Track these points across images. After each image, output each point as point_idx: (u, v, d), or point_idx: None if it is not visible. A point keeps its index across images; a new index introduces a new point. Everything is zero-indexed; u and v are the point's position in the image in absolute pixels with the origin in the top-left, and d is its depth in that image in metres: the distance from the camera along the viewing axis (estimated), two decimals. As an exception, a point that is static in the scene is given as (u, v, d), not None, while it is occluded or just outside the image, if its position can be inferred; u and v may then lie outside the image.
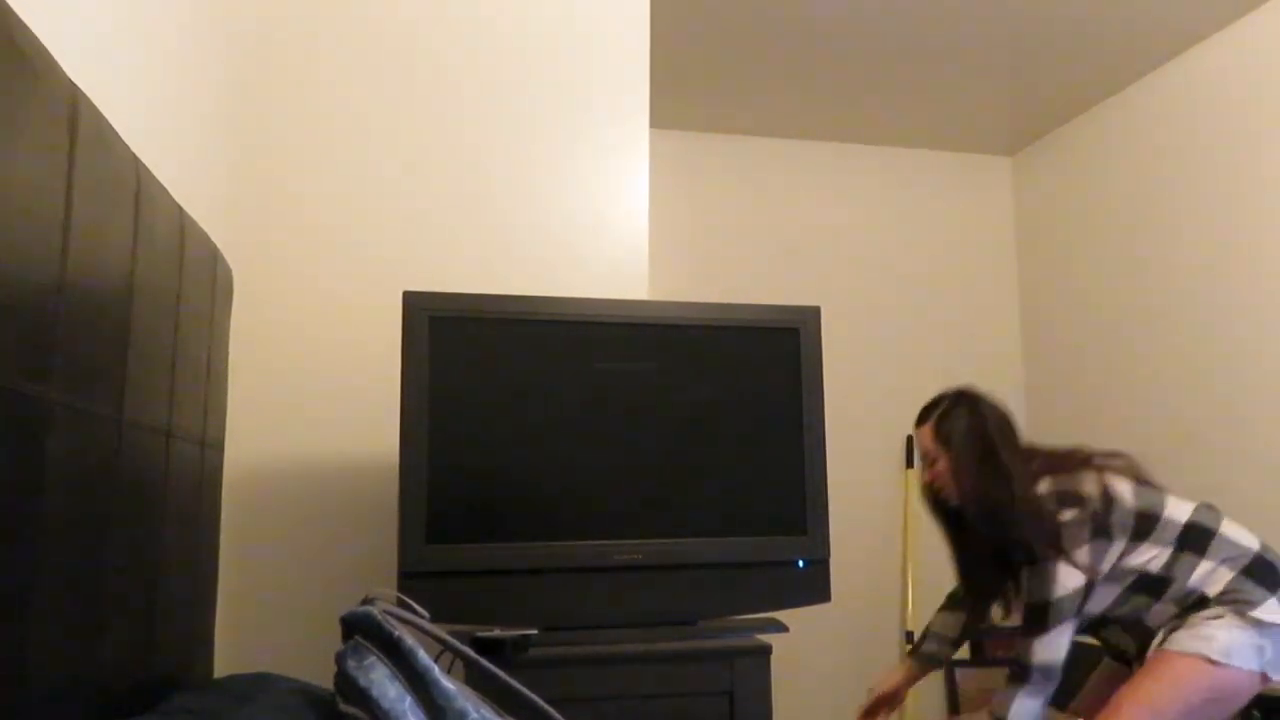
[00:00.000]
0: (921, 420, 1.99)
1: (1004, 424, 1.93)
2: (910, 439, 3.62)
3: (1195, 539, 1.72)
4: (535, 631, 1.50)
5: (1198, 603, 1.69)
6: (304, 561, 1.83)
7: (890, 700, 2.09)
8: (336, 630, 0.93)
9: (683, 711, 1.55)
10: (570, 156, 2.06)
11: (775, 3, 2.71)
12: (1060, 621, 1.72)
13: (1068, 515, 1.73)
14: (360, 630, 0.90)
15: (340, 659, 0.88)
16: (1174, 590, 1.71)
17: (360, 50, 1.99)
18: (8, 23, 0.71)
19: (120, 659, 0.96)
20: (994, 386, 3.75)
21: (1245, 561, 1.70)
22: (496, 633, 1.45)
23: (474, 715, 0.85)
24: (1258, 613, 1.65)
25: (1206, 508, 1.78)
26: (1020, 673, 1.74)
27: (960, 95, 3.33)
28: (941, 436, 1.92)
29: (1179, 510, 1.76)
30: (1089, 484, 1.76)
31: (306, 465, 1.86)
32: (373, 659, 0.87)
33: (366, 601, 0.94)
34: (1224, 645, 1.63)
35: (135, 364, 1.00)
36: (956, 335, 3.76)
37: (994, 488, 1.81)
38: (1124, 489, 1.77)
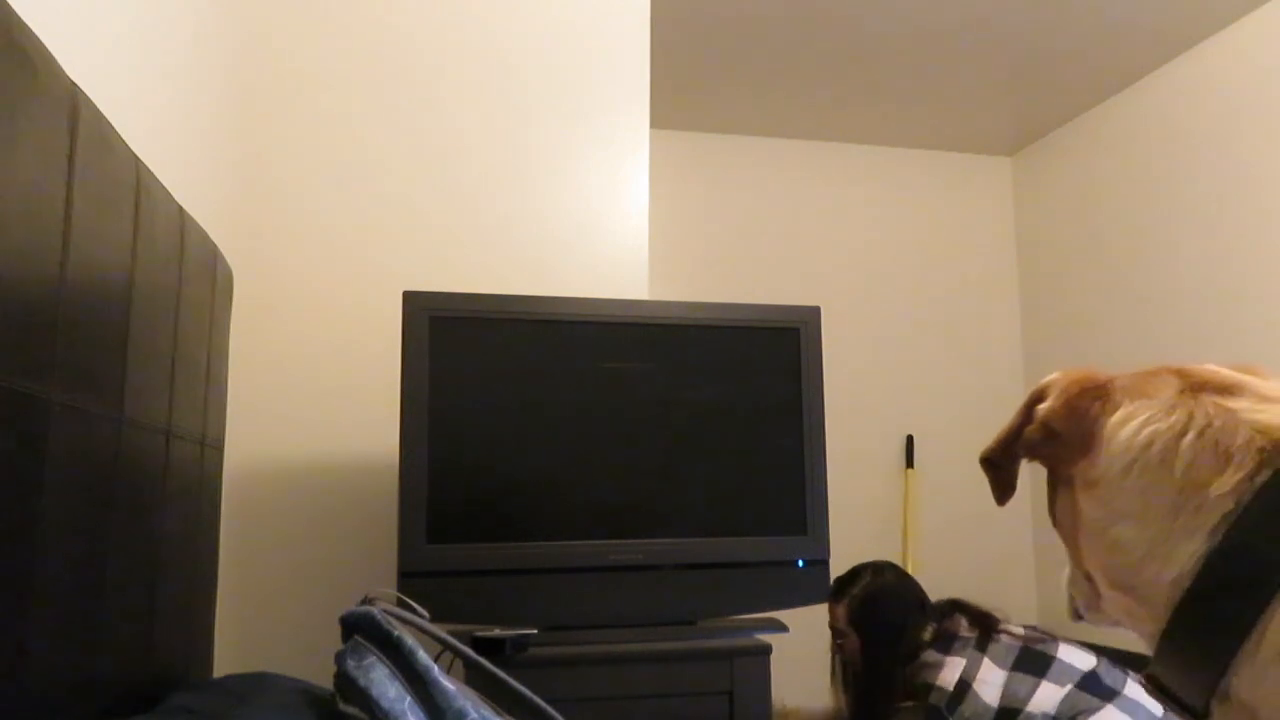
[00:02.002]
0: (835, 598, 2.07)
1: (901, 622, 1.98)
2: (910, 439, 3.63)
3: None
4: (535, 631, 1.50)
5: None
6: (304, 561, 1.83)
7: None
8: (336, 630, 0.93)
9: (683, 711, 1.55)
10: (570, 157, 2.06)
11: (775, 3, 2.71)
12: None
13: (904, 705, 1.82)
14: (360, 630, 0.90)
15: (340, 659, 0.88)
16: None
17: (361, 51, 1.99)
18: (8, 22, 0.71)
19: (120, 659, 0.96)
20: (994, 386, 3.76)
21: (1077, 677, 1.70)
22: (496, 633, 1.45)
23: (473, 715, 0.85)
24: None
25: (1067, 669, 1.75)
26: None
27: (960, 95, 3.33)
28: (854, 620, 2.04)
29: (1048, 698, 1.70)
30: (947, 673, 1.78)
31: (306, 465, 1.86)
32: (372, 659, 0.87)
33: (366, 601, 0.94)
34: None
35: (135, 364, 1.00)
36: (956, 335, 3.77)
37: (897, 646, 1.93)
38: (991, 680, 1.74)
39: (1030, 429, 0.75)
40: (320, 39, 1.98)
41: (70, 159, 0.82)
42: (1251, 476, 0.59)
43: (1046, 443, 0.74)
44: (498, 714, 0.92)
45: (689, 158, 3.63)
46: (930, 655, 1.82)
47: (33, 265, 0.75)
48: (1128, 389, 0.70)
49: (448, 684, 0.87)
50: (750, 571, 1.65)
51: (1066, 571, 0.78)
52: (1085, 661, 1.73)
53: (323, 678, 1.04)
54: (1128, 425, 0.66)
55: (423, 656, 0.88)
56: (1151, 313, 3.15)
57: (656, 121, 3.45)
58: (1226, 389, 0.65)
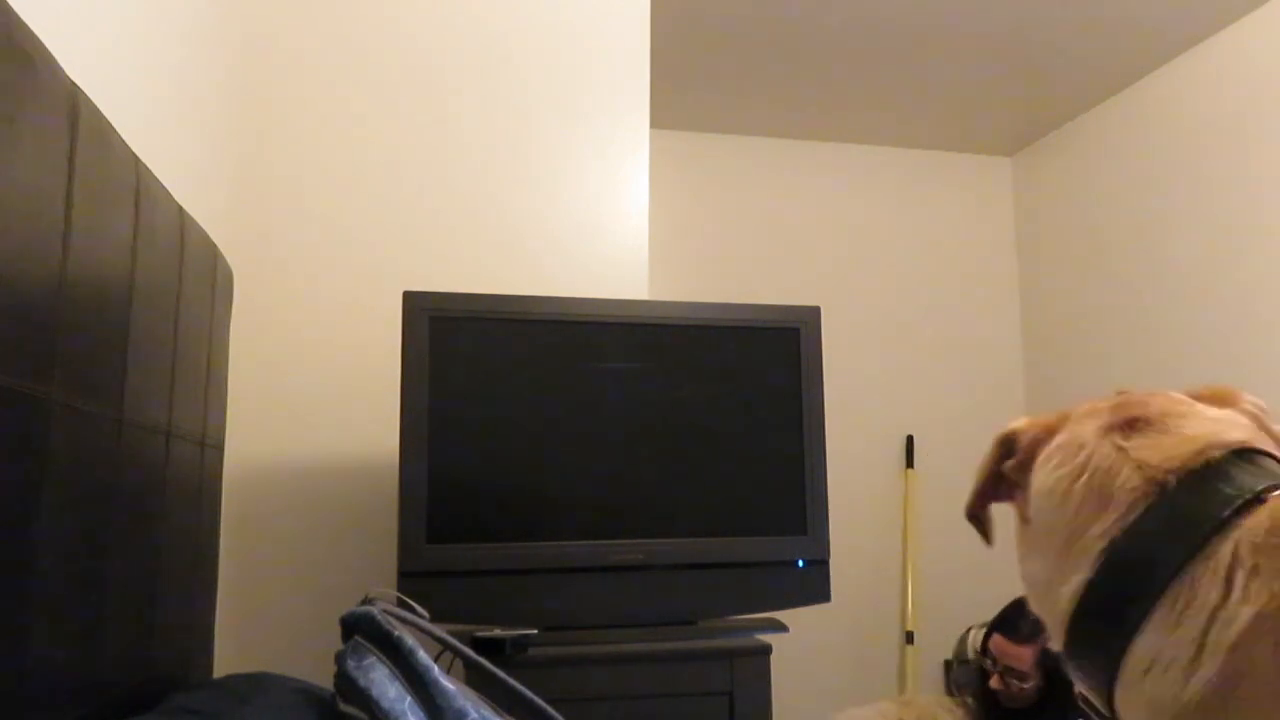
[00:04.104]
0: (1017, 637, 2.02)
1: None
2: (910, 439, 3.62)
3: None
4: (535, 631, 1.50)
5: None
6: (304, 561, 1.83)
7: None
8: (336, 630, 0.93)
9: (683, 711, 1.55)
10: (570, 156, 2.06)
11: (775, 3, 2.71)
12: None
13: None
14: (360, 630, 0.90)
15: (340, 659, 0.88)
16: None
17: (361, 51, 1.99)
18: (8, 22, 0.71)
19: (120, 659, 0.96)
20: (994, 387, 3.76)
21: None
22: (496, 633, 1.45)
23: (473, 715, 0.85)
24: None
25: None
26: None
27: (960, 95, 3.33)
28: (1047, 663, 1.98)
29: None
30: None
31: (306, 465, 1.86)
32: (372, 659, 0.87)
33: (366, 601, 0.94)
34: None
35: (135, 364, 1.00)
36: (956, 335, 3.76)
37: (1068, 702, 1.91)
38: None
39: (1001, 486, 0.79)
40: (320, 39, 1.98)
41: (70, 159, 0.82)
42: (1124, 517, 0.62)
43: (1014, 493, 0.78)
44: (498, 714, 0.92)
45: (689, 158, 3.63)
46: None
47: (33, 265, 0.75)
48: (1068, 423, 0.73)
49: (448, 684, 0.87)
50: (750, 571, 1.65)
51: None
52: None
53: (323, 678, 1.04)
54: (1045, 467, 0.71)
55: (423, 656, 0.88)
56: (1151, 312, 3.15)
57: (656, 121, 3.45)
58: (1138, 423, 0.67)
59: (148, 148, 1.18)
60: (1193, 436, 0.64)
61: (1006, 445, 0.77)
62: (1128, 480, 0.63)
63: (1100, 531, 0.63)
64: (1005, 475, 0.77)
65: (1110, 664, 0.60)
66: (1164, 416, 0.67)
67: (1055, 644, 0.70)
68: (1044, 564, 0.68)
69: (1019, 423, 0.78)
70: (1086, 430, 0.70)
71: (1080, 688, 0.67)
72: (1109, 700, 0.62)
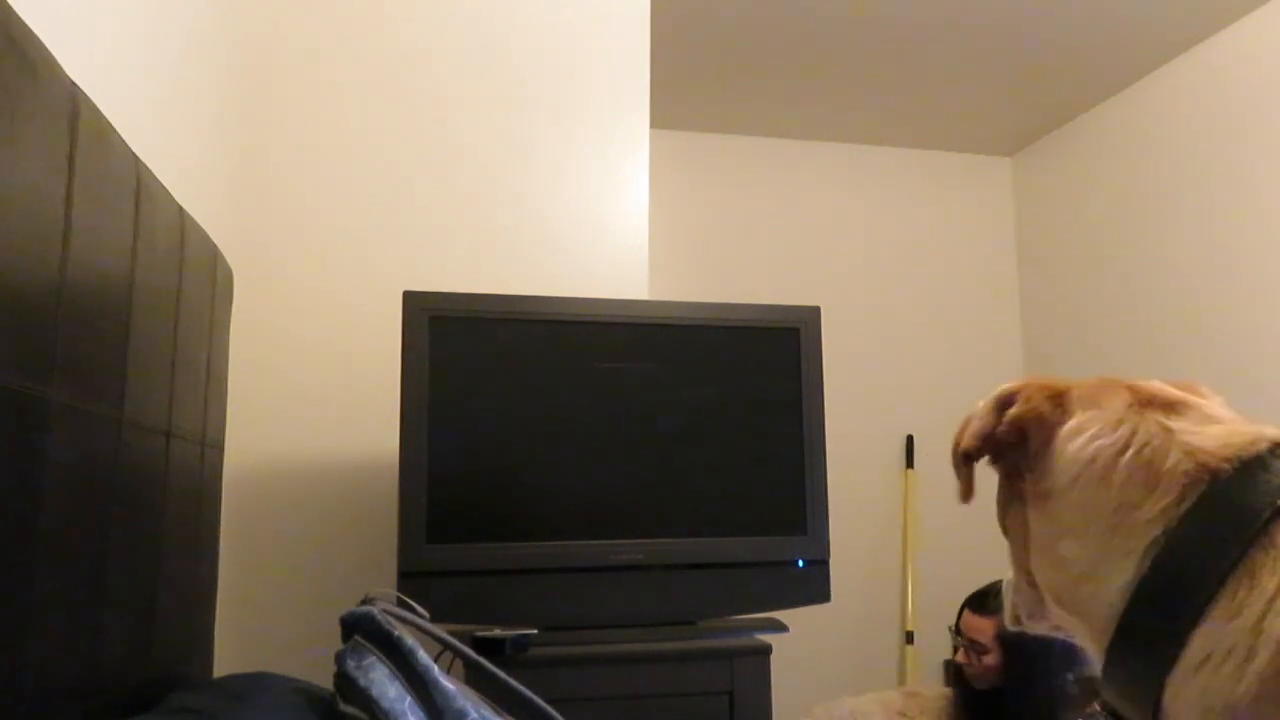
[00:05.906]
0: (983, 610, 2.04)
1: (1048, 649, 1.94)
2: (910, 439, 3.62)
3: None
4: (535, 631, 1.50)
5: None
6: (304, 561, 1.83)
7: None
8: (336, 630, 0.93)
9: (683, 711, 1.55)
10: (570, 156, 2.06)
11: (775, 3, 2.71)
12: None
13: (1092, 708, 1.78)
14: (360, 630, 0.90)
15: (340, 659, 0.88)
16: None
17: (361, 51, 1.99)
18: (8, 22, 0.71)
19: (120, 659, 0.96)
20: (994, 387, 3.76)
21: None
22: (496, 633, 1.45)
23: (473, 715, 0.85)
24: None
25: None
26: None
27: (960, 95, 3.33)
28: (1004, 638, 1.99)
29: None
30: None
31: (306, 465, 1.86)
32: (372, 659, 0.87)
33: (366, 601, 0.94)
34: None
35: (135, 364, 1.00)
36: (956, 335, 3.76)
37: (1038, 684, 1.90)
38: None
39: (1001, 429, 0.75)
40: (320, 39, 1.98)
41: (70, 159, 0.82)
42: (1178, 502, 0.61)
43: (1013, 448, 0.75)
44: (498, 714, 0.92)
45: (689, 158, 3.63)
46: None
47: (33, 265, 0.75)
48: (1082, 399, 0.71)
49: (448, 684, 0.87)
50: (750, 571, 1.65)
51: (1009, 578, 0.80)
52: None
53: (323, 678, 1.04)
54: (1077, 438, 0.68)
55: (423, 656, 0.88)
56: (1151, 312, 3.15)
57: (656, 121, 3.44)
58: (1171, 406, 0.66)
59: (148, 148, 1.18)
60: (1241, 429, 0.63)
61: (1002, 406, 0.76)
62: (1178, 464, 0.62)
63: (1150, 517, 0.61)
64: (996, 436, 0.75)
65: (1161, 661, 0.58)
66: (1191, 404, 0.66)
67: (1082, 639, 0.67)
68: (1083, 546, 0.65)
69: (1014, 384, 0.76)
70: (1115, 403, 0.68)
71: (1111, 696, 0.63)
72: (1156, 703, 0.59)
